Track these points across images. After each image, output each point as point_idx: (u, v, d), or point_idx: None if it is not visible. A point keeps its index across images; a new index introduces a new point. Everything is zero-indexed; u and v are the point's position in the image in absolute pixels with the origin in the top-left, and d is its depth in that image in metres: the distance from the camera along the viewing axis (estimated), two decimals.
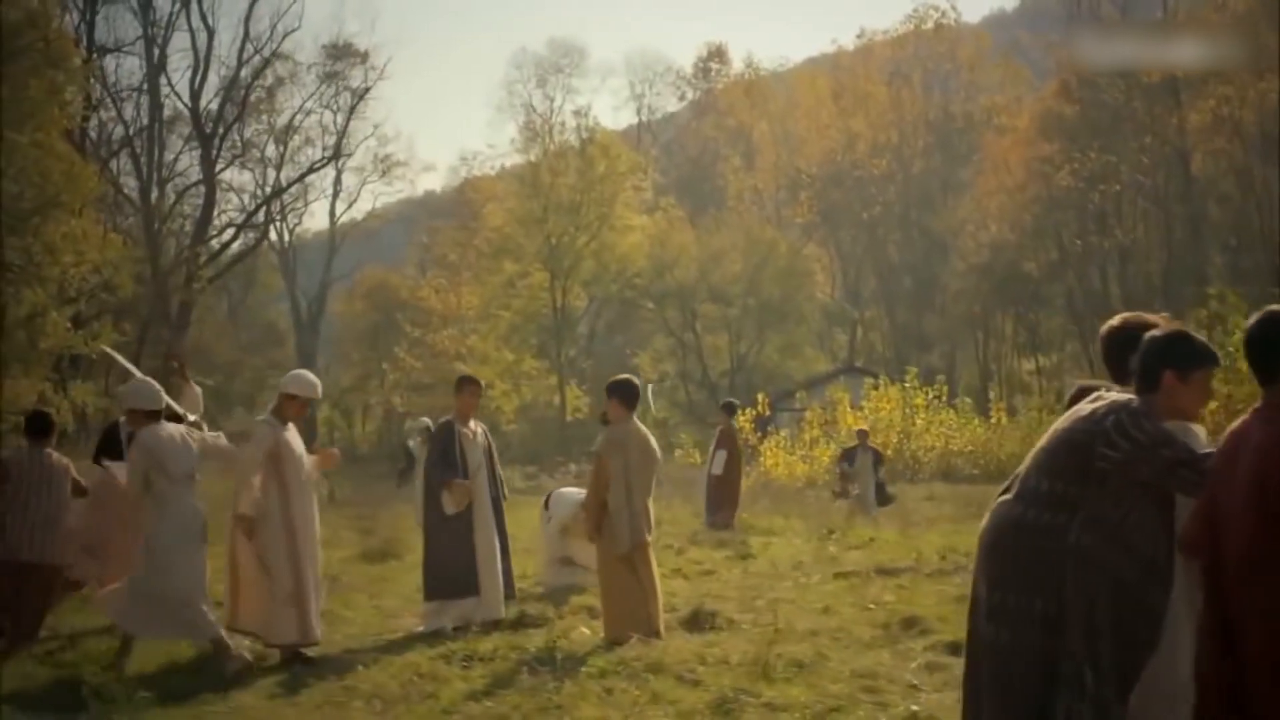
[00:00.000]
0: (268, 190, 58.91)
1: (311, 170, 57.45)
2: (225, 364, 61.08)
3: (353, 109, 55.39)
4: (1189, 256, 55.21)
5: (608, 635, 9.95)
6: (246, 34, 52.27)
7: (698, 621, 10.60)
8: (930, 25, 70.20)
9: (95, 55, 44.19)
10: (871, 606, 11.12)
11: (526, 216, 57.48)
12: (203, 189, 52.69)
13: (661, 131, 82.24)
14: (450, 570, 10.94)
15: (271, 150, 59.18)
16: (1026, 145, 57.93)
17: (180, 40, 52.61)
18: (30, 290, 34.52)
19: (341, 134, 55.88)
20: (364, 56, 57.48)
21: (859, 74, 71.94)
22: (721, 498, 19.88)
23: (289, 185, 58.31)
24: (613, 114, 71.57)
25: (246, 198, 59.32)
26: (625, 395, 10.46)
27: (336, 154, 55.94)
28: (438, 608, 10.98)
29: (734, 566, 14.64)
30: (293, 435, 10.18)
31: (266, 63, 53.01)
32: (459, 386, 11.96)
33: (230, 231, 56.62)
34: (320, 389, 10.69)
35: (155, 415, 9.75)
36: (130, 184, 49.61)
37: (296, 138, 58.29)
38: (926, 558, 14.46)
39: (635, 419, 10.45)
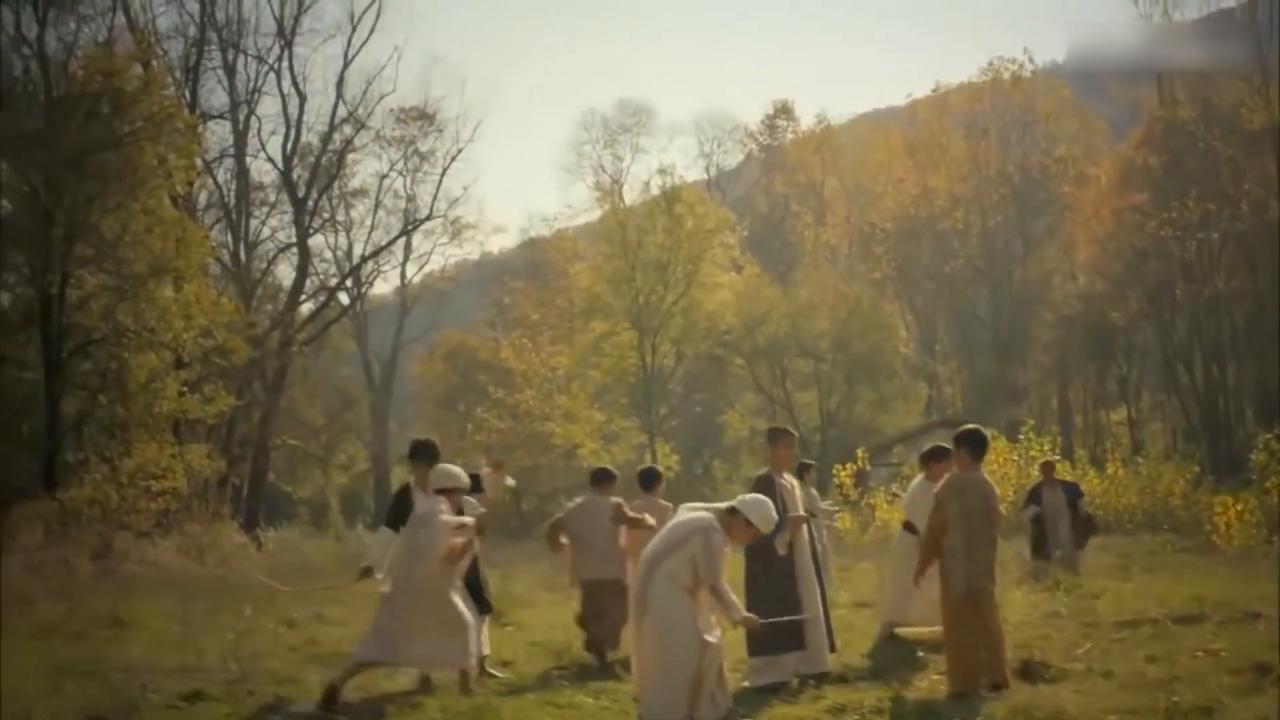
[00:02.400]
0: (353, 253, 59.46)
1: (404, 233, 57.55)
2: (304, 427, 61.30)
3: (444, 171, 55.38)
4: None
5: (954, 687, 9.87)
6: (339, 98, 52.48)
7: (1029, 671, 10.47)
8: (1007, 77, 70.28)
9: (203, 122, 44.48)
10: (1199, 655, 10.88)
11: (615, 275, 57.46)
12: (293, 253, 53.09)
13: (730, 189, 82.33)
14: (777, 624, 10.69)
15: (359, 213, 59.65)
16: (1116, 195, 57.68)
17: (272, 104, 52.66)
18: (145, 355, 34.72)
19: (434, 198, 55.86)
20: (432, 119, 57.42)
21: (934, 127, 71.99)
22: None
23: (382, 248, 58.43)
24: (682, 173, 71.08)
25: (330, 261, 59.67)
26: (974, 445, 10.37)
27: (429, 217, 55.87)
28: (765, 663, 10.84)
29: None
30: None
31: (362, 126, 53.22)
32: (774, 438, 11.89)
33: (323, 295, 56.61)
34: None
35: (456, 493, 11.29)
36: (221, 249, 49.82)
37: (387, 200, 58.55)
38: (1179, 606, 14.03)
39: (981, 469, 10.37)
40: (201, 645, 13.67)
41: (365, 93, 53.32)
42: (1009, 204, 70.02)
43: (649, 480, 14.81)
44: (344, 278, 57.45)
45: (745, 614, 9.29)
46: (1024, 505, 21.07)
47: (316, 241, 55.41)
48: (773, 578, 10.97)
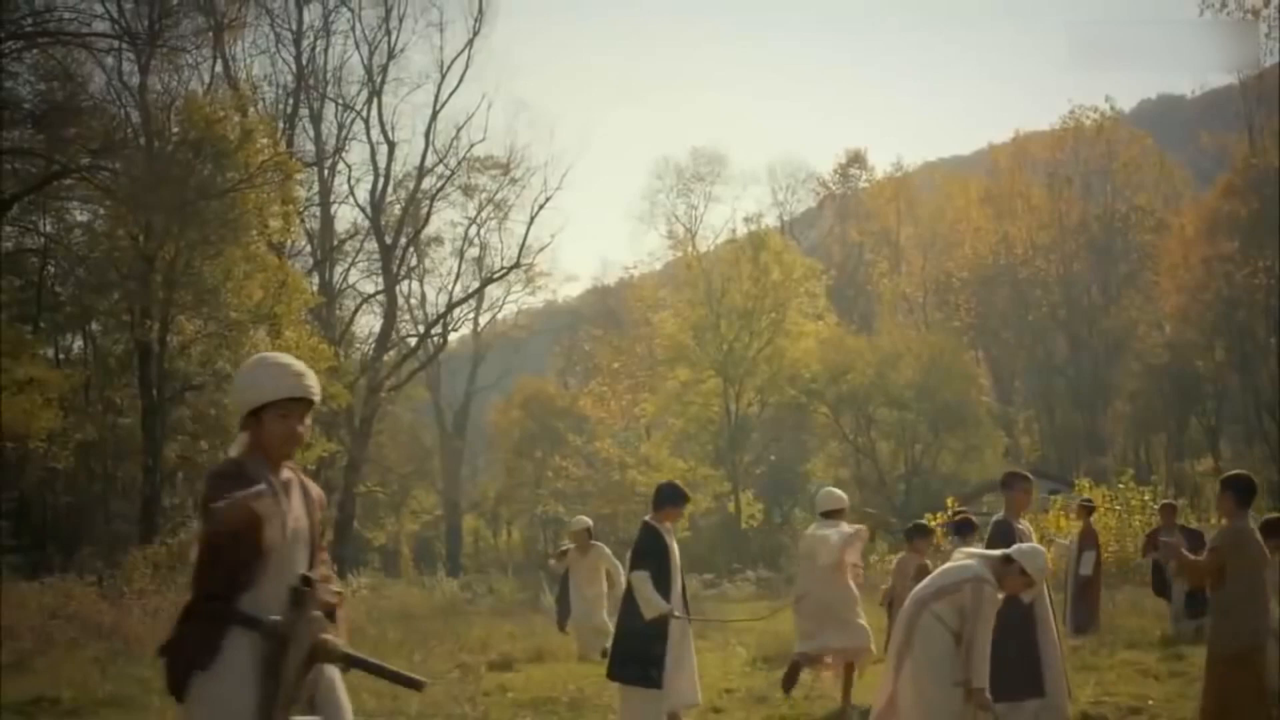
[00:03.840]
0: (427, 301, 59.81)
1: (490, 281, 57.65)
2: (386, 473, 61.50)
3: (532, 219, 55.49)
4: None
5: None
6: (428, 146, 52.87)
7: None
8: (1089, 123, 70.15)
9: (303, 170, 44.96)
10: None
11: (699, 323, 57.43)
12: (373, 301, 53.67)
13: (804, 237, 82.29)
14: (1017, 669, 10.52)
15: (435, 260, 59.86)
16: (1205, 243, 57.38)
17: (360, 152, 53.14)
18: None
19: (522, 245, 55.98)
20: (507, 169, 57.54)
21: (1014, 175, 71.93)
22: (1092, 599, 19.59)
23: (470, 294, 58.65)
24: (746, 224, 71.31)
25: (406, 309, 59.90)
26: (1241, 491, 10.05)
27: (517, 265, 55.95)
28: (1007, 709, 10.69)
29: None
30: None
31: (451, 174, 53.55)
32: (1010, 483, 11.71)
33: (409, 342, 56.91)
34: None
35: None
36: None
37: (468, 249, 58.73)
38: None
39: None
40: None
41: (454, 141, 53.72)
42: (1088, 252, 69.68)
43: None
44: (431, 325, 57.66)
45: (984, 689, 8.99)
46: (1143, 552, 20.53)
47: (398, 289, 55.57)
48: (1012, 625, 10.79)
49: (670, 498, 11.58)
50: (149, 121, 35.75)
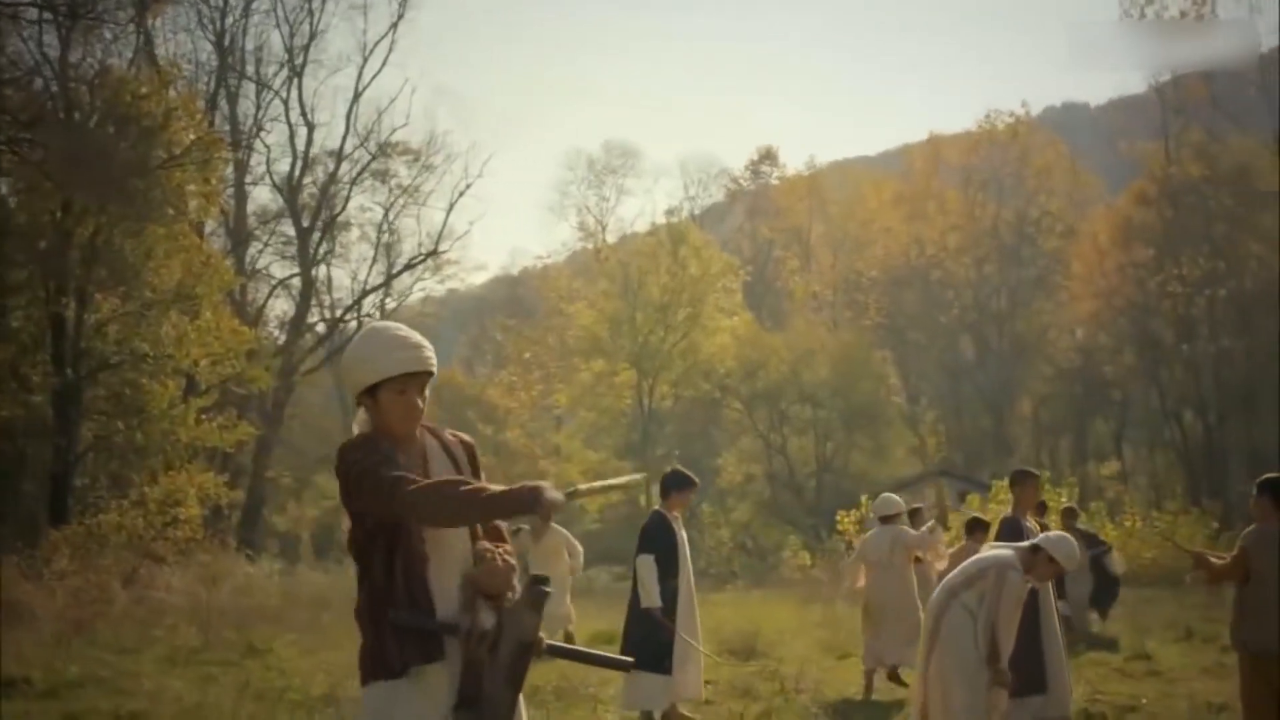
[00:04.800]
0: (333, 286, 59.19)
1: (410, 266, 57.10)
2: (295, 459, 60.95)
3: (452, 205, 55.06)
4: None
5: None
6: (349, 128, 52.40)
7: None
8: (1003, 127, 70.74)
9: (241, 148, 44.48)
10: None
11: (615, 315, 57.37)
12: (293, 283, 53.00)
13: (714, 232, 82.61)
14: (1020, 666, 10.53)
15: (349, 245, 59.24)
16: (1121, 250, 58.12)
17: (280, 132, 52.35)
18: (163, 382, 34.46)
19: (440, 232, 55.56)
20: (418, 156, 57.09)
21: (927, 176, 72.41)
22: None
23: (388, 280, 58.03)
24: (666, 216, 71.42)
25: (324, 293, 59.23)
26: (1277, 493, 10.15)
27: (435, 251, 55.54)
28: (1010, 706, 10.69)
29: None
30: None
31: (373, 159, 53.10)
32: (1019, 480, 11.81)
33: (321, 326, 56.31)
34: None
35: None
36: None
37: (383, 235, 58.15)
38: None
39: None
40: None
41: (375, 125, 53.30)
42: (998, 256, 70.31)
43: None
44: (346, 310, 56.99)
45: (1004, 671, 8.99)
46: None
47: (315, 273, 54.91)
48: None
49: (675, 484, 11.54)
50: (68, 95, 35.08)
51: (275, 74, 52.00)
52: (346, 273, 61.14)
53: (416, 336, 4.90)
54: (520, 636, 4.59)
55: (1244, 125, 55.51)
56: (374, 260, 57.75)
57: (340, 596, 31.31)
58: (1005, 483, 36.17)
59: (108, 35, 38.50)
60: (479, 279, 75.52)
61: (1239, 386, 55.64)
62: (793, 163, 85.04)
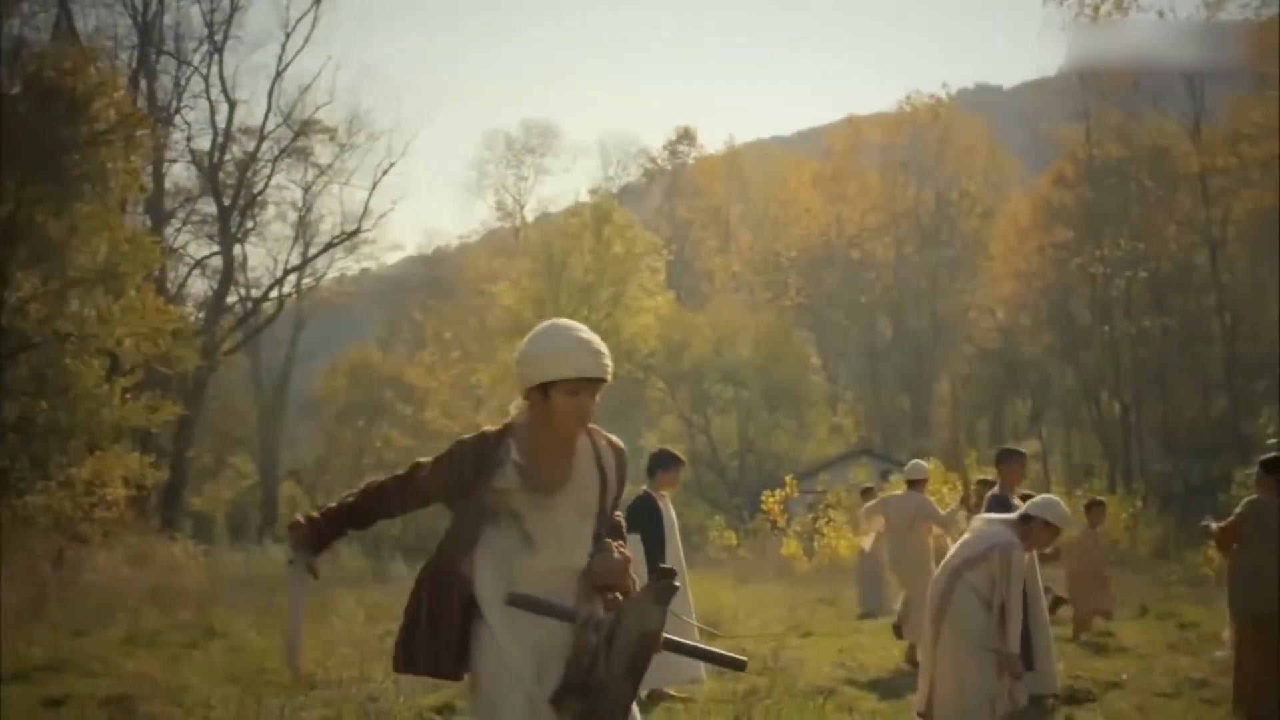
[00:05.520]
0: (248, 265, 58.51)
1: (332, 245, 56.62)
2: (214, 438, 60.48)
3: (375, 184, 54.83)
4: (1196, 345, 56.26)
5: (1236, 708, 9.85)
6: (270, 106, 51.92)
7: None
8: (920, 109, 71.10)
9: (159, 125, 43.88)
10: None
11: (538, 295, 57.16)
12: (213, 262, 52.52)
13: (634, 212, 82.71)
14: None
15: (269, 223, 58.65)
16: (1043, 231, 58.62)
17: (201, 110, 51.69)
18: (87, 362, 34.03)
19: (363, 211, 55.16)
20: (332, 134, 56.64)
21: (849, 157, 72.74)
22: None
23: (310, 259, 57.54)
24: (586, 196, 71.50)
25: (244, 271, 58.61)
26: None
27: (358, 230, 55.14)
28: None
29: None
30: None
31: (296, 136, 52.61)
32: (1005, 458, 11.99)
33: (246, 305, 55.76)
34: None
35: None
36: None
37: (299, 213, 57.66)
38: None
39: None
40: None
41: (297, 103, 52.87)
42: (918, 237, 70.73)
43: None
44: (268, 289, 56.52)
45: (1013, 658, 9.02)
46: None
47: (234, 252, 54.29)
48: None
49: (662, 463, 11.56)
50: None
51: (195, 50, 51.42)
52: (266, 252, 60.45)
53: (598, 342, 4.91)
54: (644, 628, 4.57)
55: (1164, 107, 56.08)
56: (295, 240, 57.27)
57: (269, 578, 31.14)
58: (931, 464, 36.74)
59: (26, 9, 38.02)
60: (392, 258, 75.18)
61: (1155, 367, 56.34)
62: (711, 143, 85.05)
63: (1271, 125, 49.32)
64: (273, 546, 44.53)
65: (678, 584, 4.73)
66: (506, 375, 57.41)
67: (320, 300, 68.14)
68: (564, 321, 5.02)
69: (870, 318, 71.58)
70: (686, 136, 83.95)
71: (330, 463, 70.36)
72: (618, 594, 4.84)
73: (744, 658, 5.07)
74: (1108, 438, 56.95)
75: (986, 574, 8.70)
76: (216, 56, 51.18)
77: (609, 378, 4.86)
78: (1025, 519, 8.98)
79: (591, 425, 5.07)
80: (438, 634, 4.76)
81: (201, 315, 51.35)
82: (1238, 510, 10.34)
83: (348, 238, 55.93)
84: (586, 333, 4.88)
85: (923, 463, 16.57)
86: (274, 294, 56.33)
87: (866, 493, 22.11)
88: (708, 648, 5.07)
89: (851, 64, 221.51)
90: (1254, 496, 10.35)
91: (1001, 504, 11.18)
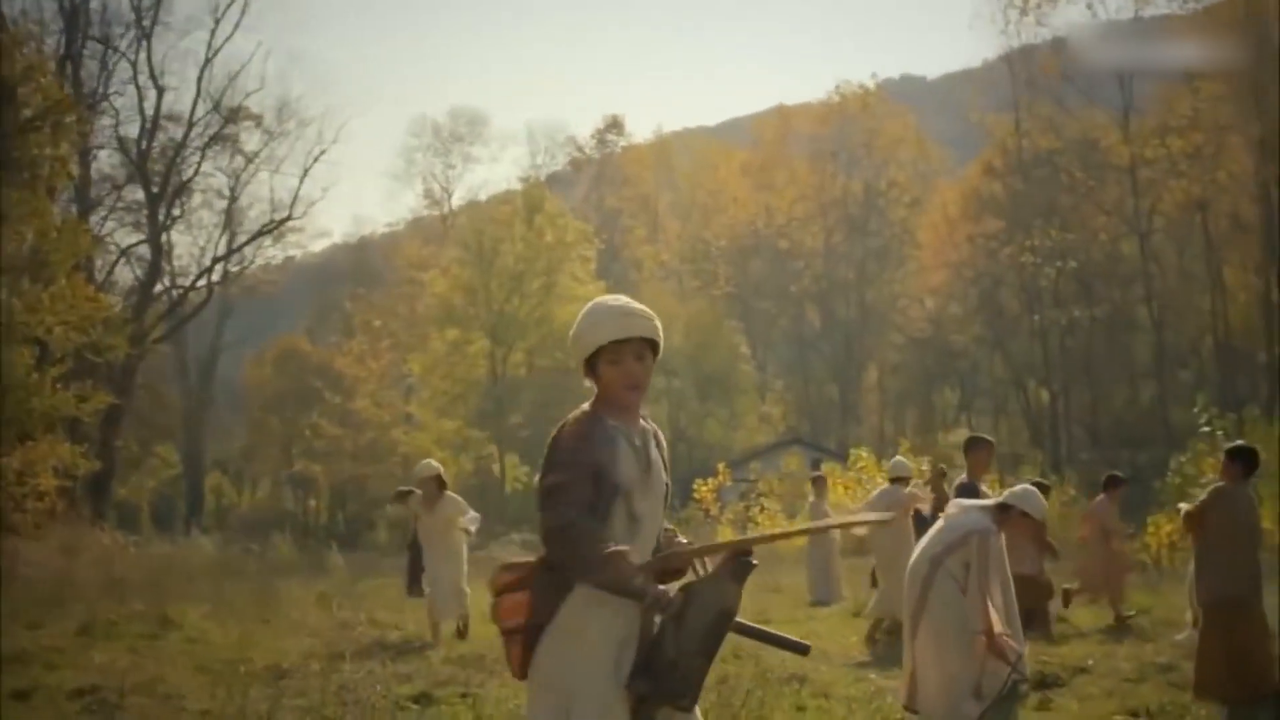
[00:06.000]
0: (174, 254, 57.94)
1: (262, 233, 56.14)
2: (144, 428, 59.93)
3: (306, 171, 54.38)
4: (1124, 334, 56.93)
5: (1197, 692, 9.95)
6: (199, 93, 51.50)
7: None
8: (849, 99, 71.37)
9: (86, 111, 43.35)
10: None
11: (470, 283, 57.01)
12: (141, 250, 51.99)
13: (561, 200, 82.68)
14: None
15: (196, 210, 58.08)
16: (970, 221, 59.06)
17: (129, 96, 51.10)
18: (17, 350, 33.64)
19: (294, 198, 54.81)
20: (259, 120, 56.22)
21: (778, 146, 72.93)
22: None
23: (239, 247, 57.00)
24: (515, 184, 71.38)
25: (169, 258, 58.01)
26: (1247, 460, 10.52)
27: (289, 217, 54.76)
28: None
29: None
30: None
31: (226, 123, 52.20)
32: (973, 446, 12.00)
33: (174, 293, 55.22)
34: None
35: None
36: None
37: (240, 201, 57.23)
38: None
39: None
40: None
41: (227, 89, 52.49)
42: (847, 226, 71.00)
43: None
44: (197, 277, 56.00)
45: (1000, 632, 9.06)
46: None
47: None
48: None
49: None
50: None
51: (123, 35, 50.85)
52: (193, 240, 59.85)
53: (629, 304, 4.78)
54: (721, 605, 4.54)
55: (1093, 98, 56.66)
56: (224, 227, 56.77)
57: (204, 568, 30.93)
58: (862, 451, 36.82)
59: None
60: (318, 246, 74.60)
61: (1083, 356, 56.92)
62: (640, 132, 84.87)
63: (1199, 117, 50.04)
64: (201, 537, 44.27)
65: (755, 562, 4.71)
66: (438, 363, 57.32)
67: (247, 288, 67.56)
68: (604, 296, 4.98)
69: (799, 307, 71.82)
70: (615, 125, 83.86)
71: (257, 452, 70.04)
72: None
73: (807, 643, 5.03)
74: (1036, 426, 57.50)
75: (963, 560, 8.74)
76: (144, 42, 50.67)
77: (645, 335, 4.72)
78: (1004, 508, 9.04)
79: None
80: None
81: (130, 303, 50.80)
82: (1203, 498, 10.44)
83: (278, 225, 55.50)
84: (620, 300, 4.81)
85: (905, 460, 16.95)
86: (202, 282, 55.62)
87: (818, 481, 22.05)
88: (772, 631, 5.02)
89: (779, 54, 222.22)
90: (1220, 484, 10.44)
91: (970, 491, 11.25)
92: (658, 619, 4.53)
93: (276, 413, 67.23)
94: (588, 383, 4.83)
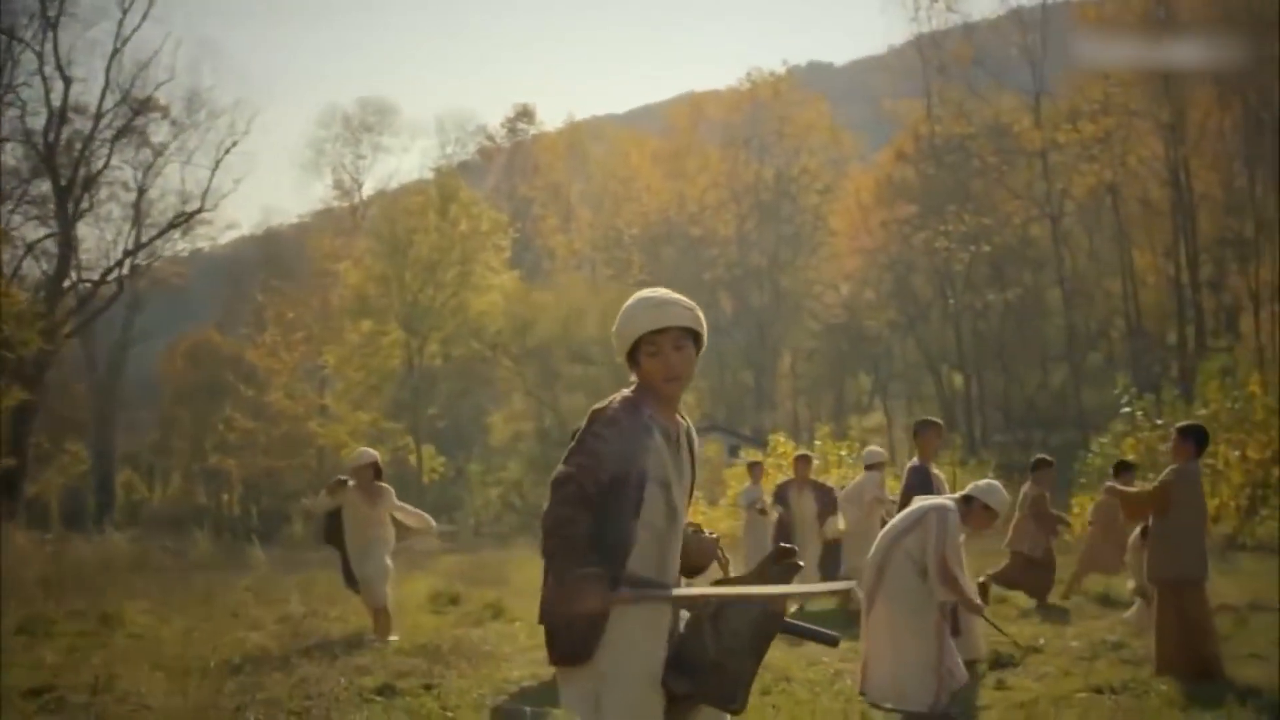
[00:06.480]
0: (79, 247, 57.19)
1: (173, 225, 55.58)
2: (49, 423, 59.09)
3: (218, 163, 53.96)
4: (1036, 318, 57.54)
5: (1159, 669, 10.07)
6: (108, 83, 50.91)
7: None
8: (760, 85, 71.57)
9: None
10: None
11: (384, 274, 56.68)
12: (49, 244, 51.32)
13: (475, 190, 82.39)
14: None
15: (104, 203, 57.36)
16: (884, 207, 59.45)
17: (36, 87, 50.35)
18: None
19: (205, 190, 54.35)
20: (165, 111, 55.69)
21: (690, 133, 73.03)
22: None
23: (149, 241, 56.37)
24: (425, 174, 71.18)
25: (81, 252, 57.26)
26: (1200, 438, 10.69)
27: (201, 209, 54.28)
28: None
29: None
30: None
31: (135, 114, 51.62)
32: (922, 429, 12.00)
33: (84, 286, 54.52)
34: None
35: None
36: None
37: (150, 193, 56.55)
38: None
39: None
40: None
41: (135, 80, 51.95)
42: (759, 213, 71.19)
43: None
44: (108, 271, 55.30)
45: (970, 599, 9.17)
46: (773, 503, 17.74)
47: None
48: None
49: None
50: None
51: (27, 25, 50.15)
52: (101, 233, 59.13)
53: (665, 295, 4.81)
54: (769, 609, 4.54)
55: (1004, 83, 57.20)
56: (134, 220, 56.12)
57: (128, 563, 30.59)
58: (780, 437, 36.88)
59: None
60: (226, 239, 73.92)
61: (995, 340, 57.47)
62: (551, 120, 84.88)
63: (1109, 102, 50.61)
64: (114, 534, 43.71)
65: (801, 563, 4.72)
66: (352, 355, 56.99)
67: (155, 282, 66.79)
68: (645, 290, 4.96)
69: (712, 295, 71.81)
70: (525, 114, 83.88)
71: (169, 446, 69.33)
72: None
73: (836, 634, 5.02)
74: (950, 410, 57.98)
75: (920, 539, 8.85)
76: (50, 32, 50.00)
77: (684, 325, 4.71)
78: (967, 499, 9.18)
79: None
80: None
81: (40, 298, 50.13)
82: (1165, 477, 10.54)
83: (189, 218, 55.02)
84: (660, 292, 4.84)
85: (878, 449, 17.62)
86: (112, 276, 54.97)
87: (754, 467, 21.49)
88: (803, 624, 5.01)
89: (689, 41, 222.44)
90: (1177, 465, 10.55)
91: (922, 473, 11.39)
92: (684, 614, 4.54)
93: (189, 406, 66.62)
94: (632, 378, 4.79)
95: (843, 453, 36.58)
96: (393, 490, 14.83)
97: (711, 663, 4.43)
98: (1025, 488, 16.65)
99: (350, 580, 14.61)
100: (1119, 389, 29.71)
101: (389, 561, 14.46)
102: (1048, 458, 17.58)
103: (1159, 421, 27.01)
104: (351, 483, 14.50)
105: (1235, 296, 53.34)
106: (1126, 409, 28.69)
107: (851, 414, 66.52)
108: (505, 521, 48.79)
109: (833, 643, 4.92)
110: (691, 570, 4.73)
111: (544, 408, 59.84)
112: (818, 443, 37.01)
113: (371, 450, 15.62)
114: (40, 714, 9.41)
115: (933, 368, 60.70)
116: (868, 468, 16.32)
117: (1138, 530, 13.65)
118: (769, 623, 4.53)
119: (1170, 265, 53.35)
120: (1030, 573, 16.19)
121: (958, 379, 60.25)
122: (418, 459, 56.34)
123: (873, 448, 17.57)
